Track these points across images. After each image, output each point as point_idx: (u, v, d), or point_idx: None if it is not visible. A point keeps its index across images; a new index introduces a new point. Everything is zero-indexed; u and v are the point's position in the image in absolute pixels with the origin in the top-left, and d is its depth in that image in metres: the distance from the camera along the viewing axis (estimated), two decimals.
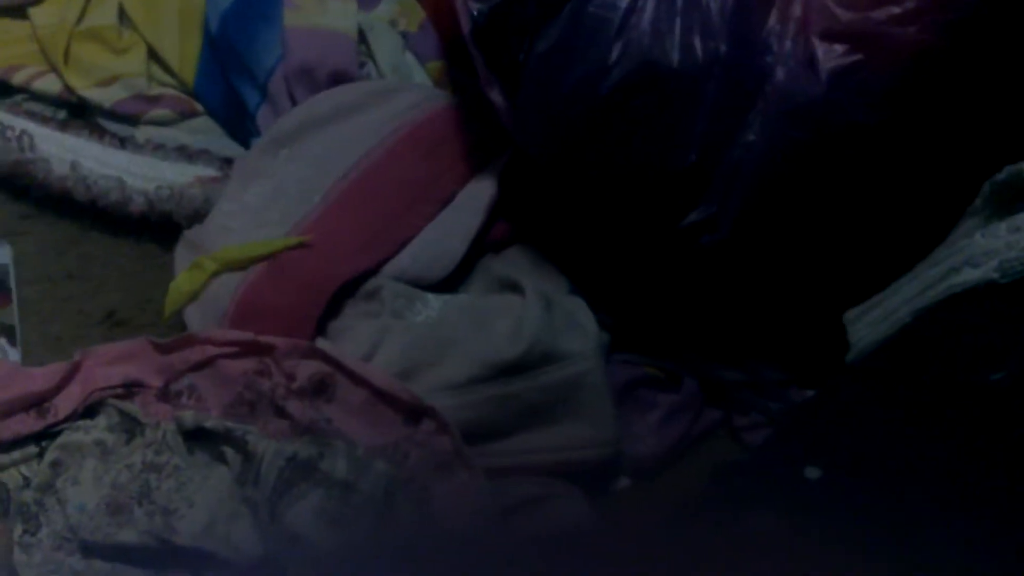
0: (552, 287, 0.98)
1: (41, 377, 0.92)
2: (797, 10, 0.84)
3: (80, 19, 1.13)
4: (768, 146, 0.85)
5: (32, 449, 0.90)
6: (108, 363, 0.93)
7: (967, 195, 0.77)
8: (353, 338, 0.94)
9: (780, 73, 0.84)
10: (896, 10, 0.82)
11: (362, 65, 1.09)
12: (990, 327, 0.69)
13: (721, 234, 0.88)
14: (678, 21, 0.84)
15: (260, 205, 1.00)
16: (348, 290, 0.97)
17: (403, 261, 0.98)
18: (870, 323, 0.77)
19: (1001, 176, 0.75)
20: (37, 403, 0.91)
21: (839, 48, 0.83)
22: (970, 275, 0.71)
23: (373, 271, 0.98)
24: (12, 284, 1.02)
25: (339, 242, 0.97)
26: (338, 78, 1.06)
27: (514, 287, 0.96)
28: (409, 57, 1.11)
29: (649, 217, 0.91)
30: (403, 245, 0.99)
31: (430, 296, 0.97)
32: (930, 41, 0.81)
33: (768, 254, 0.90)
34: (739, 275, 0.92)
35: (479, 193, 1.01)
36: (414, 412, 0.89)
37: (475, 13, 0.92)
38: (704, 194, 0.87)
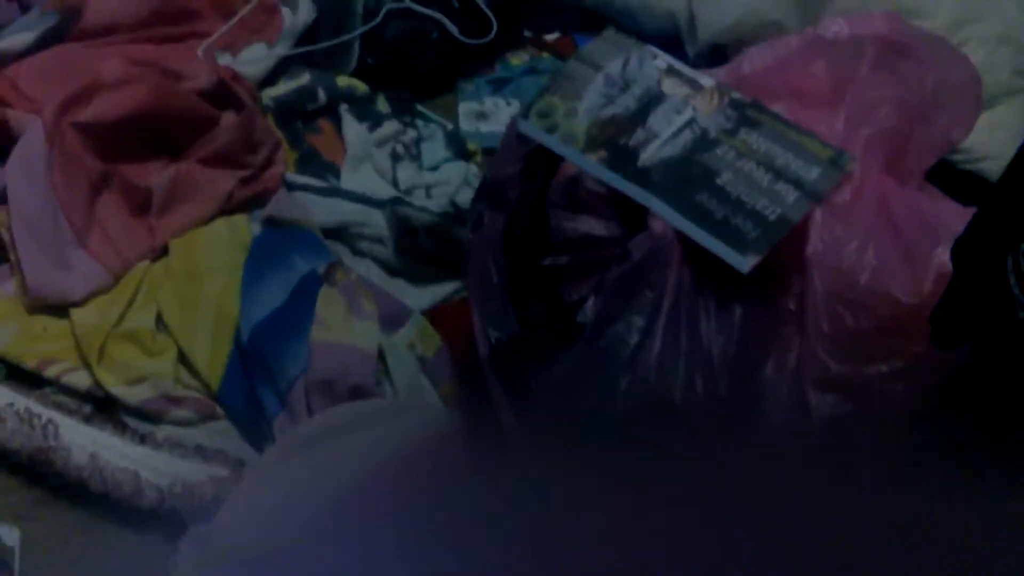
0: None
1: None
2: (793, 359, 0.88)
3: (119, 321, 1.18)
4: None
5: None
6: None
7: None
8: None
9: (776, 416, 0.87)
10: (884, 368, 0.86)
11: (379, 383, 1.14)
12: None
13: None
14: (682, 360, 0.88)
15: (269, 508, 1.03)
16: None
17: None
18: None
19: None
20: None
21: (831, 398, 0.86)
22: None
23: None
24: (16, 567, 1.02)
25: None
26: (356, 393, 1.11)
27: None
28: (424, 379, 1.16)
29: None
30: None
31: None
32: (916, 397, 0.86)
33: None
34: None
35: None
36: None
37: (492, 340, 0.97)
38: None
